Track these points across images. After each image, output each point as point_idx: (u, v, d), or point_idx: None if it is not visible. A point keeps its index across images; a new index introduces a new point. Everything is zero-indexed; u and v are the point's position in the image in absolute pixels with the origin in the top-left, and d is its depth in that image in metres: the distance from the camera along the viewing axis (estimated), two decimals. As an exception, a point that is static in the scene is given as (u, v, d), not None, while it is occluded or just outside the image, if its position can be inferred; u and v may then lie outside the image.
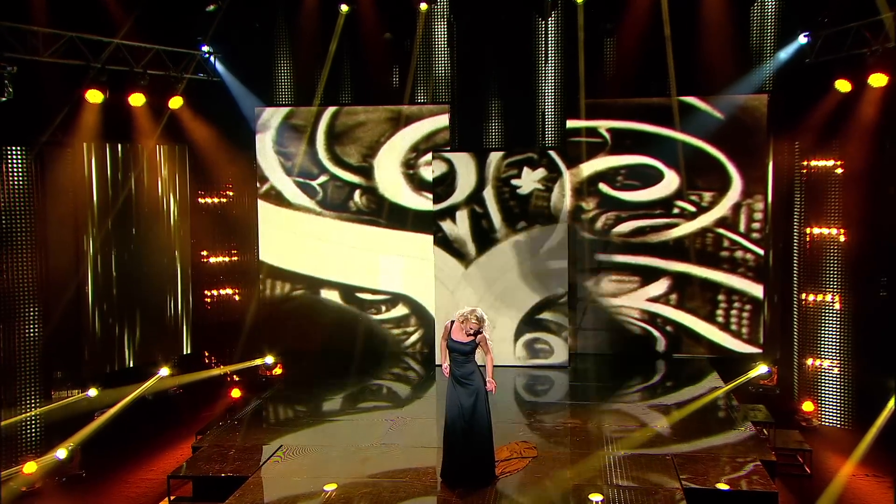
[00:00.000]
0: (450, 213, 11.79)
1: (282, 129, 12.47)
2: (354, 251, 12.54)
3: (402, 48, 12.30)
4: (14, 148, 9.44)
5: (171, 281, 11.99)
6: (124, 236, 11.27)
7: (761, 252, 11.80)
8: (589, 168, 12.08)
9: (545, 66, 12.28)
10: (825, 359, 10.86)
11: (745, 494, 7.56)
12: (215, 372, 12.16)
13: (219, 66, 12.18)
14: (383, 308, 12.65)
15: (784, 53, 11.50)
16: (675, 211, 11.92)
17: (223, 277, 12.77)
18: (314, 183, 12.54)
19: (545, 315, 11.71)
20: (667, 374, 11.61)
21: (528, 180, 11.60)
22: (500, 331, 11.67)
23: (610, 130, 12.00)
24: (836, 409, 10.76)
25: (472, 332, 7.53)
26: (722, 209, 11.85)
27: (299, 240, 12.60)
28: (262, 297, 12.74)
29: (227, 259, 12.80)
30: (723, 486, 7.62)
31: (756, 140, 11.71)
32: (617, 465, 8.14)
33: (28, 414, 9.55)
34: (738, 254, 11.86)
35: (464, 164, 11.73)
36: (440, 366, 8.01)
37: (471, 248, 11.78)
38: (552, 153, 11.63)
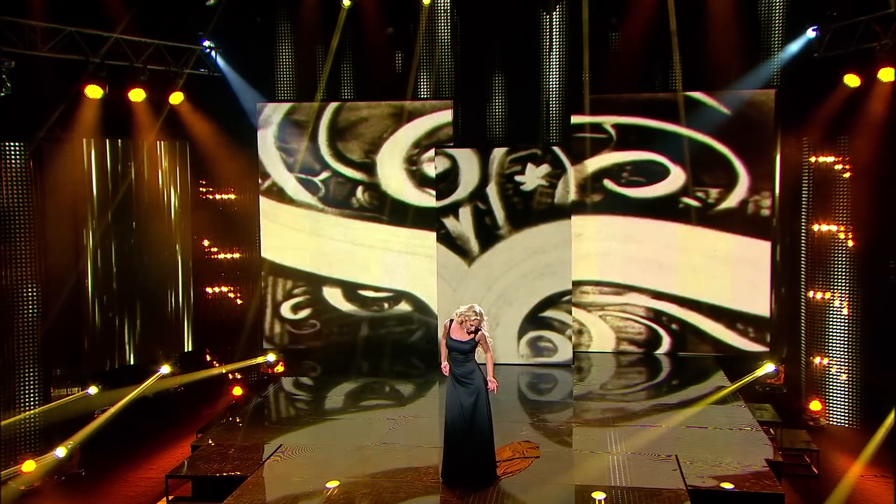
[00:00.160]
0: (453, 209, 11.68)
1: (284, 124, 12.38)
2: (357, 248, 12.46)
3: (404, 43, 12.16)
4: (12, 144, 9.36)
5: (172, 278, 11.92)
6: (124, 233, 11.20)
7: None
8: (594, 164, 11.98)
9: (549, 62, 12.14)
10: (833, 357, 10.74)
11: (752, 496, 7.45)
12: (216, 371, 12.07)
13: (220, 62, 12.07)
14: (386, 305, 12.56)
15: (792, 48, 11.36)
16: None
17: (224, 274, 12.69)
18: (316, 179, 12.45)
19: (549, 313, 11.60)
20: (672, 372, 11.50)
21: (532, 176, 11.50)
22: (503, 329, 11.62)
23: (615, 126, 11.90)
24: (844, 409, 10.64)
25: (472, 329, 7.43)
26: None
27: (301, 237, 12.52)
28: (264, 294, 12.64)
29: (228, 256, 12.71)
30: (727, 486, 7.51)
31: (763, 136, 11.59)
32: (621, 465, 8.04)
33: (28, 413, 9.49)
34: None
35: (467, 160, 11.63)
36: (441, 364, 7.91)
37: (474, 245, 11.68)
38: (556, 149, 11.51)
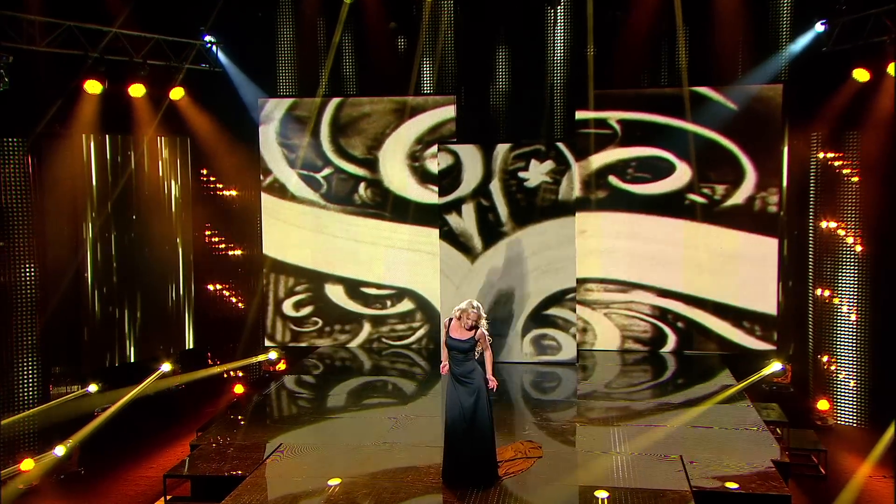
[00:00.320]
0: (456, 206, 11.57)
1: (285, 120, 12.30)
2: (359, 245, 12.38)
3: (407, 38, 12.04)
4: (11, 140, 9.30)
5: (172, 275, 11.86)
6: (124, 229, 11.15)
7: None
8: (598, 160, 11.86)
9: (554, 56, 12.02)
10: (841, 355, 10.63)
11: (757, 497, 7.32)
12: (218, 369, 12.00)
13: (221, 57, 11.99)
14: (388, 303, 12.46)
15: (800, 42, 11.21)
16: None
17: (226, 272, 12.61)
18: (318, 176, 12.37)
19: (553, 311, 11.49)
20: (677, 371, 11.39)
21: (536, 173, 11.38)
22: (506, 327, 11.48)
23: (620, 122, 11.78)
24: (853, 408, 10.52)
25: (470, 325, 7.33)
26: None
27: (303, 233, 12.44)
28: (265, 291, 12.57)
29: (229, 253, 12.63)
30: (732, 485, 7.41)
31: (770, 131, 11.45)
32: (625, 466, 7.93)
33: (29, 412, 9.45)
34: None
35: (470, 157, 11.52)
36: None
37: (477, 242, 11.57)
38: (560, 145, 11.39)
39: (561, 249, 11.38)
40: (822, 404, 10.59)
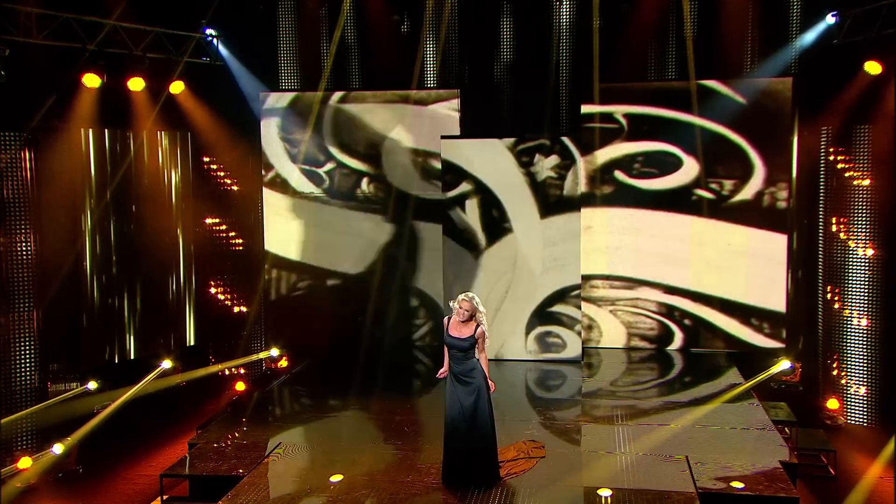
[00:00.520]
0: (459, 201, 11.44)
1: (287, 114, 12.19)
2: (361, 241, 12.24)
3: (410, 31, 11.90)
4: (7, 133, 9.20)
5: (173, 271, 11.75)
6: (124, 224, 11.04)
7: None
8: (604, 155, 11.74)
9: (559, 49, 11.85)
10: (851, 353, 10.49)
11: (764, 499, 7.17)
12: (218, 368, 11.91)
13: (222, 50, 11.88)
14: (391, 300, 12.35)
15: (810, 34, 11.06)
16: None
17: (227, 267, 12.48)
18: (320, 171, 12.26)
19: (558, 308, 11.36)
20: (684, 369, 11.27)
21: (541, 168, 11.24)
22: (510, 324, 11.40)
23: (626, 116, 11.66)
24: (863, 407, 10.37)
25: (465, 316, 7.19)
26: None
27: (305, 229, 12.34)
28: (267, 288, 12.48)
29: (230, 249, 12.50)
30: (737, 485, 7.28)
31: (780, 125, 11.30)
32: (629, 466, 7.81)
33: (29, 410, 9.37)
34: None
35: (473, 151, 11.36)
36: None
37: (481, 237, 11.45)
38: (565, 139, 11.24)
39: (566, 245, 11.24)
40: (832, 403, 10.47)
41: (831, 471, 8.74)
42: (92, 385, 10.16)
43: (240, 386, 11.61)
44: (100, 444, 9.48)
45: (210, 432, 8.94)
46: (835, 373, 10.69)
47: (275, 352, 12.23)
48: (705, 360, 11.44)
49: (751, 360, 11.21)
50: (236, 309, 12.48)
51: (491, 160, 11.32)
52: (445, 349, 7.40)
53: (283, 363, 12.23)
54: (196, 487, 8.05)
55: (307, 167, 12.26)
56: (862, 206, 10.38)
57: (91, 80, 9.91)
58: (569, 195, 11.22)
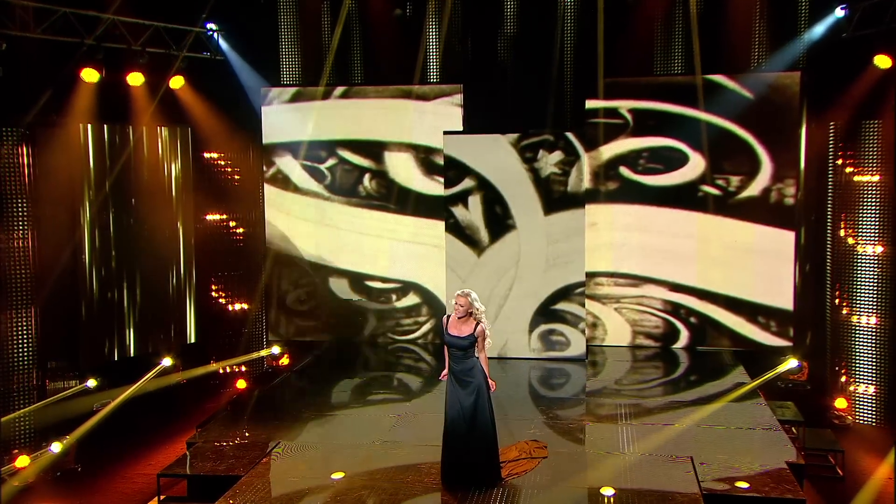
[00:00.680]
0: (462, 198, 11.34)
1: (288, 109, 12.09)
2: (363, 238, 12.21)
3: (412, 25, 11.78)
4: (4, 129, 9.12)
5: (173, 268, 11.67)
6: (123, 220, 10.98)
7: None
8: (609, 151, 11.63)
9: (563, 43, 11.71)
10: (860, 352, 10.39)
11: (771, 501, 7.05)
12: (218, 365, 11.83)
13: (223, 44, 11.78)
14: (394, 297, 12.26)
15: (819, 27, 10.93)
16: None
17: (228, 264, 12.40)
18: (322, 167, 12.19)
19: (561, 305, 11.26)
20: (690, 367, 11.17)
21: (545, 164, 11.13)
22: (514, 321, 11.30)
23: (631, 111, 11.55)
24: (872, 406, 10.26)
25: (462, 312, 7.07)
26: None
27: (307, 225, 12.28)
28: (269, 284, 12.42)
29: (231, 246, 12.41)
30: (742, 485, 7.18)
31: (787, 121, 11.21)
32: (633, 466, 7.71)
33: (29, 409, 9.31)
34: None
35: (476, 147, 11.26)
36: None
37: (484, 234, 11.35)
38: (569, 135, 11.14)
39: (570, 242, 11.14)
40: (840, 402, 10.36)
41: (839, 471, 8.63)
42: (91, 383, 10.10)
43: (241, 384, 11.51)
44: (99, 443, 9.42)
45: (209, 431, 8.87)
46: (843, 371, 10.58)
47: (276, 349, 12.14)
48: (711, 359, 11.36)
49: (757, 358, 11.12)
50: (237, 306, 12.40)
51: (494, 156, 11.21)
52: (445, 348, 7.28)
53: (285, 361, 12.14)
54: (195, 487, 7.96)
55: (309, 163, 12.17)
56: (871, 202, 10.28)
57: (89, 75, 9.84)
58: (573, 191, 11.12)
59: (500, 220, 11.29)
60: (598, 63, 11.17)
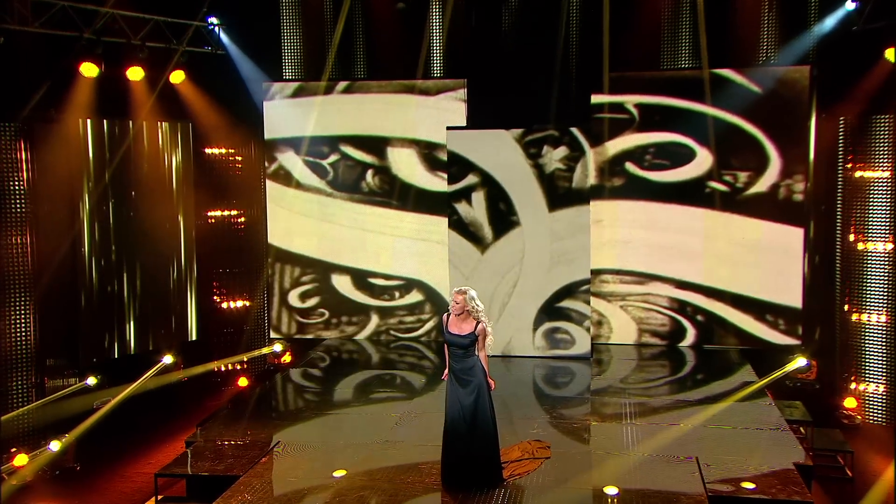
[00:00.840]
0: (465, 194, 11.22)
1: (290, 105, 12.00)
2: (366, 234, 12.12)
3: (415, 19, 11.66)
4: (2, 124, 9.03)
5: (174, 265, 11.59)
6: (123, 217, 10.89)
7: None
8: (614, 146, 11.52)
9: (567, 37, 11.59)
10: (870, 350, 10.27)
11: (778, 503, 6.91)
12: (220, 363, 11.75)
13: (224, 39, 11.68)
14: (397, 294, 12.17)
15: (829, 20, 10.80)
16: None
17: (230, 261, 12.30)
18: (324, 162, 12.09)
19: (566, 303, 11.15)
20: (696, 366, 11.05)
21: (549, 159, 11.02)
22: (518, 319, 11.20)
23: (637, 106, 11.44)
24: (882, 405, 10.15)
25: (459, 310, 6.97)
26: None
27: (309, 222, 12.19)
28: (270, 282, 12.34)
29: (233, 242, 12.32)
30: (748, 485, 7.08)
31: (796, 115, 11.07)
32: (637, 467, 7.60)
33: (27, 408, 9.27)
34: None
35: (480, 142, 11.14)
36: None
37: (487, 231, 11.24)
38: (574, 130, 11.01)
39: (574, 239, 11.02)
40: (850, 402, 10.25)
41: (848, 472, 8.53)
42: (91, 381, 10.02)
43: (242, 382, 11.44)
44: (99, 441, 9.36)
45: (208, 430, 8.79)
46: (853, 370, 10.46)
47: (278, 347, 12.06)
48: (718, 358, 11.27)
49: (765, 357, 11.01)
50: (239, 303, 12.32)
51: (498, 151, 11.10)
52: (445, 347, 7.17)
53: (287, 358, 12.06)
54: (194, 487, 7.88)
55: (311, 159, 12.09)
56: (881, 199, 10.15)
57: (89, 70, 9.76)
58: (578, 188, 11.01)
59: (503, 216, 11.18)
60: (604, 57, 11.07)
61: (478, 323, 7.00)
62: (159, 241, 11.36)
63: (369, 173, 12.03)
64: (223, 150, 12.02)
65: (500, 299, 11.15)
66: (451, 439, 7.13)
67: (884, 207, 10.12)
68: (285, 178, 12.14)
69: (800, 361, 10.50)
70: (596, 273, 11.50)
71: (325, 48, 11.89)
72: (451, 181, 11.30)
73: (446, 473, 7.22)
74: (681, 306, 11.59)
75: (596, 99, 11.42)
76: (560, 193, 11.03)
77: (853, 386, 10.44)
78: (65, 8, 9.53)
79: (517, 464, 7.57)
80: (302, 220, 12.19)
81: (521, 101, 11.51)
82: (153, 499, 7.90)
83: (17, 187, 9.23)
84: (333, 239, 12.16)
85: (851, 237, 10.48)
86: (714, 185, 11.31)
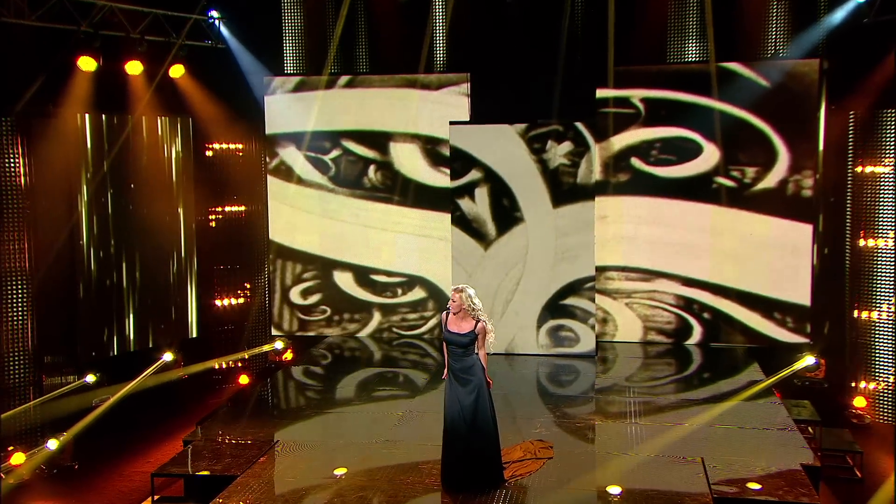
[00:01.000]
0: (468, 190, 11.12)
1: (291, 99, 11.91)
2: (368, 230, 12.03)
3: (418, 13, 11.53)
4: (-2, 118, 8.97)
5: (175, 261, 11.50)
6: (122, 212, 10.79)
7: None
8: (620, 141, 11.41)
9: (572, 31, 11.43)
10: (881, 349, 10.16)
11: (784, 505, 6.81)
12: (220, 360, 11.66)
13: (225, 32, 11.58)
14: (399, 291, 12.06)
15: (839, 12, 10.66)
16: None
17: (230, 257, 12.20)
18: (326, 158, 11.99)
19: (570, 300, 11.03)
20: (703, 364, 10.95)
21: (553, 155, 10.90)
22: (522, 317, 11.10)
23: (643, 100, 11.32)
24: (893, 405, 10.01)
25: (457, 308, 6.85)
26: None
27: (310, 218, 12.10)
28: (272, 278, 12.27)
29: (234, 238, 12.22)
30: (754, 486, 6.97)
31: (806, 110, 10.95)
32: (641, 467, 7.49)
33: (27, 405, 9.20)
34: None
35: (483, 137, 11.03)
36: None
37: (490, 227, 11.13)
38: (579, 125, 10.89)
39: (579, 236, 10.91)
40: (859, 401, 10.13)
41: (858, 473, 8.42)
42: (90, 378, 9.94)
43: (243, 379, 11.35)
44: (97, 440, 9.28)
45: (208, 429, 8.70)
46: (862, 369, 10.34)
47: (279, 344, 11.97)
48: (725, 356, 11.16)
49: (773, 355, 10.90)
50: (240, 300, 12.22)
51: (501, 147, 10.99)
52: (444, 345, 7.04)
53: (288, 356, 11.98)
54: (191, 486, 7.79)
55: (312, 154, 12.00)
56: (891, 194, 10.02)
57: (86, 64, 9.64)
58: (583, 183, 10.90)
59: (507, 212, 11.06)
60: (609, 51, 10.93)
61: (477, 321, 6.88)
62: (159, 238, 11.26)
63: (371, 169, 11.93)
64: (224, 146, 11.90)
65: (503, 296, 11.05)
66: (450, 439, 7.01)
67: (894, 203, 9.98)
68: (286, 173, 12.05)
69: (808, 360, 10.38)
70: (601, 270, 11.39)
71: (327, 42, 11.79)
72: (453, 177, 11.18)
73: (446, 474, 7.10)
74: (687, 304, 11.48)
75: (601, 93, 11.31)
76: (564, 189, 10.92)
77: (863, 385, 10.29)
78: (62, 0, 9.42)
79: (519, 464, 7.45)
80: (303, 216, 12.10)
81: (524, 95, 11.41)
82: (149, 499, 7.80)
83: (13, 183, 9.13)
84: (335, 235, 12.08)
85: (861, 234, 10.34)
86: (721, 180, 11.20)
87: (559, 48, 11.33)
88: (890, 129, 10.00)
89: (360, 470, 7.48)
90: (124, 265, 10.85)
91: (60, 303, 10.06)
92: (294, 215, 12.11)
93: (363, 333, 12.23)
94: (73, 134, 10.16)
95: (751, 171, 11.15)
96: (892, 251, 10.02)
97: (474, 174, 11.08)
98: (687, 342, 11.54)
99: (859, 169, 10.44)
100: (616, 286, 11.61)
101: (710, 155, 11.19)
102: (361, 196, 11.98)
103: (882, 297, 10.15)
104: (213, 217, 12.03)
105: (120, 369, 10.37)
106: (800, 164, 11.01)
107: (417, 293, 12.05)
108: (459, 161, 11.11)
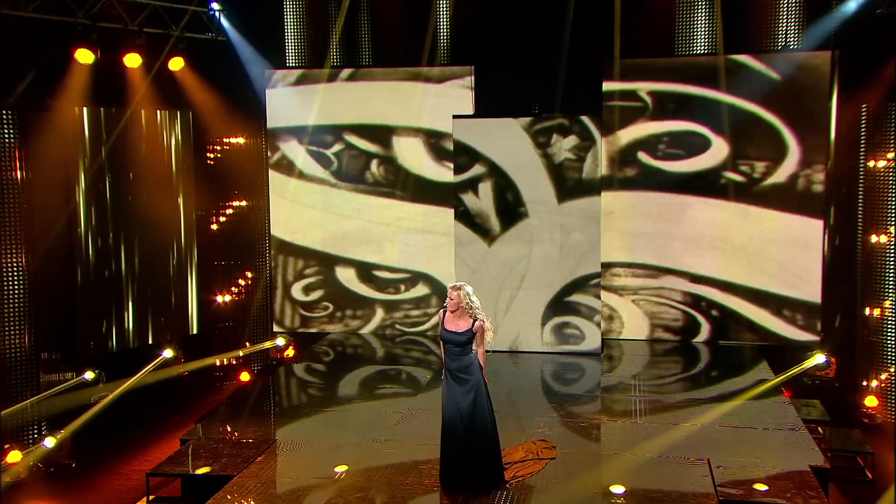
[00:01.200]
0: (472, 184, 10.99)
1: (293, 93, 11.82)
2: (371, 226, 11.92)
3: (421, 5, 11.42)
4: (-6, 112, 8.87)
5: (175, 257, 11.40)
6: (121, 207, 10.69)
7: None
8: (626, 135, 11.28)
9: (577, 23, 11.26)
10: (891, 347, 9.96)
11: (793, 509, 6.68)
12: (221, 357, 11.58)
13: (225, 24, 11.44)
14: (402, 287, 11.96)
15: (851, 3, 10.49)
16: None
17: (232, 253, 12.11)
18: (328, 152, 11.89)
19: (576, 297, 10.90)
20: (710, 363, 10.83)
21: (559, 149, 10.77)
22: (526, 314, 11.00)
23: (651, 93, 11.19)
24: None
25: (454, 306, 6.72)
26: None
27: (312, 213, 12.01)
28: (273, 274, 12.18)
29: (235, 233, 12.13)
30: (761, 487, 6.86)
31: (816, 103, 10.81)
32: (646, 467, 7.38)
33: (25, 403, 9.12)
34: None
35: (487, 131, 10.91)
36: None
37: (494, 223, 11.01)
38: (585, 119, 10.77)
39: (585, 231, 10.79)
40: (871, 400, 9.99)
41: (868, 474, 8.26)
42: (89, 375, 9.87)
43: (244, 376, 11.26)
44: (95, 438, 9.21)
45: (205, 427, 8.61)
46: (874, 367, 10.17)
47: (281, 341, 11.87)
48: (733, 354, 11.04)
49: (783, 353, 10.80)
50: (241, 296, 12.13)
51: (505, 141, 10.87)
52: (441, 344, 6.90)
53: (290, 353, 11.88)
54: (188, 485, 7.69)
55: (314, 148, 11.91)
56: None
57: (84, 56, 9.53)
58: (588, 178, 10.79)
59: (511, 207, 10.96)
60: (615, 43, 10.84)
61: (475, 320, 6.74)
62: (159, 233, 11.17)
63: (374, 163, 11.83)
64: (224, 140, 11.80)
65: (507, 293, 10.94)
66: (448, 440, 6.88)
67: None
68: (288, 168, 11.97)
69: (818, 358, 10.24)
70: (607, 266, 11.29)
71: (329, 34, 11.69)
72: (457, 171, 11.07)
73: (445, 475, 6.97)
74: (695, 301, 11.36)
75: (607, 86, 11.20)
76: (570, 184, 10.82)
77: (874, 384, 10.12)
78: (59, -9, 9.33)
79: (521, 465, 7.32)
80: (305, 211, 12.03)
81: (529, 88, 11.30)
82: (144, 499, 7.70)
83: (10, 176, 9.03)
84: (337, 230, 11.98)
85: (874, 221, 10.18)
86: (730, 175, 11.07)
87: (565, 40, 11.20)
88: (903, 121, 9.86)
89: (359, 469, 7.38)
90: (123, 255, 10.76)
91: (58, 296, 9.97)
92: (296, 210, 12.03)
93: (365, 330, 12.14)
94: (71, 127, 10.07)
95: (760, 166, 11.01)
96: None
97: (478, 169, 10.98)
98: (694, 340, 11.43)
99: (871, 163, 10.28)
100: (622, 283, 11.49)
101: (719, 149, 11.06)
102: (364, 191, 11.89)
103: (893, 293, 9.98)
104: (214, 212, 11.93)
105: (119, 366, 10.27)
106: (810, 158, 10.87)
107: (421, 289, 11.94)
108: (463, 155, 10.99)
